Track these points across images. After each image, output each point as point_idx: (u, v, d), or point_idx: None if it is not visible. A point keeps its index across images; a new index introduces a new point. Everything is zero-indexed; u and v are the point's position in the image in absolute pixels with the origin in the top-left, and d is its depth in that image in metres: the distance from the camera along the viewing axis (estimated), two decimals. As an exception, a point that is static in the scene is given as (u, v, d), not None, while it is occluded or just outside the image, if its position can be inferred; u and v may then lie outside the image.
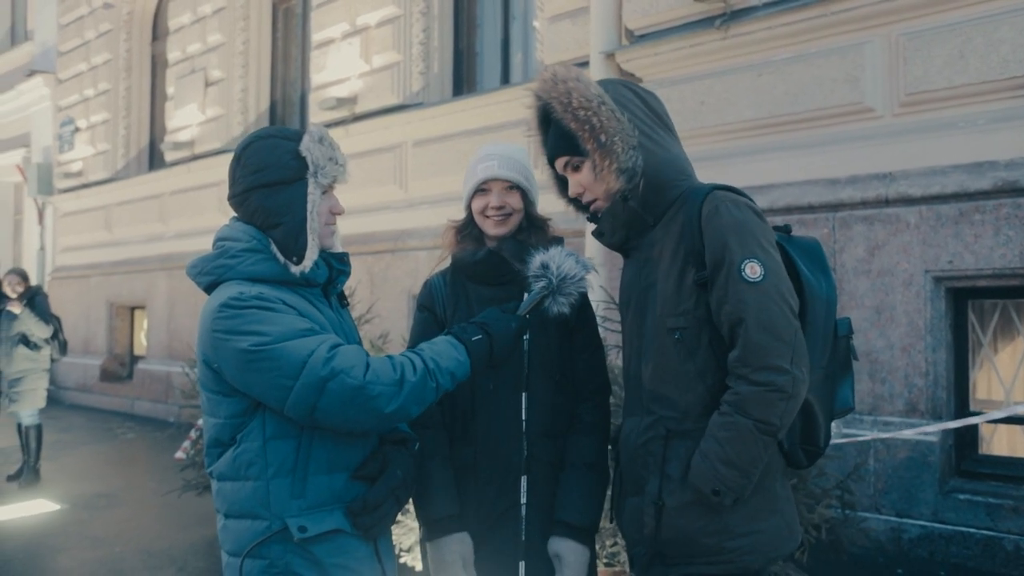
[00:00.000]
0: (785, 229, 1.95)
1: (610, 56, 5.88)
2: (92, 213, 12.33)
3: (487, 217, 2.23)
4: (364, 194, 7.82)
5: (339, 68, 8.23)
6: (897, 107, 4.73)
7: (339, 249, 2.00)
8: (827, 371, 1.87)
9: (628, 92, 1.95)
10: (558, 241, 2.28)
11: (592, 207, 2.00)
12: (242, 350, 1.68)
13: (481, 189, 2.24)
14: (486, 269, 2.23)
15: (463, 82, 7.70)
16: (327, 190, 1.89)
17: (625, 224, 1.95)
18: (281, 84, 9.86)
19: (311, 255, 1.83)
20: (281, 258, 1.82)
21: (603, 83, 1.94)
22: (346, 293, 2.10)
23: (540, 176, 2.22)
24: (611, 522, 2.18)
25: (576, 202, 2.06)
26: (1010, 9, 4.35)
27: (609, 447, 2.22)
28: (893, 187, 4.67)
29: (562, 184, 2.08)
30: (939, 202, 4.50)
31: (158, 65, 11.86)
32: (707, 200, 1.83)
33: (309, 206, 1.83)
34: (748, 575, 1.83)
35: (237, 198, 1.87)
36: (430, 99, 7.58)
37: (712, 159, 5.26)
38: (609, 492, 2.19)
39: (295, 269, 1.82)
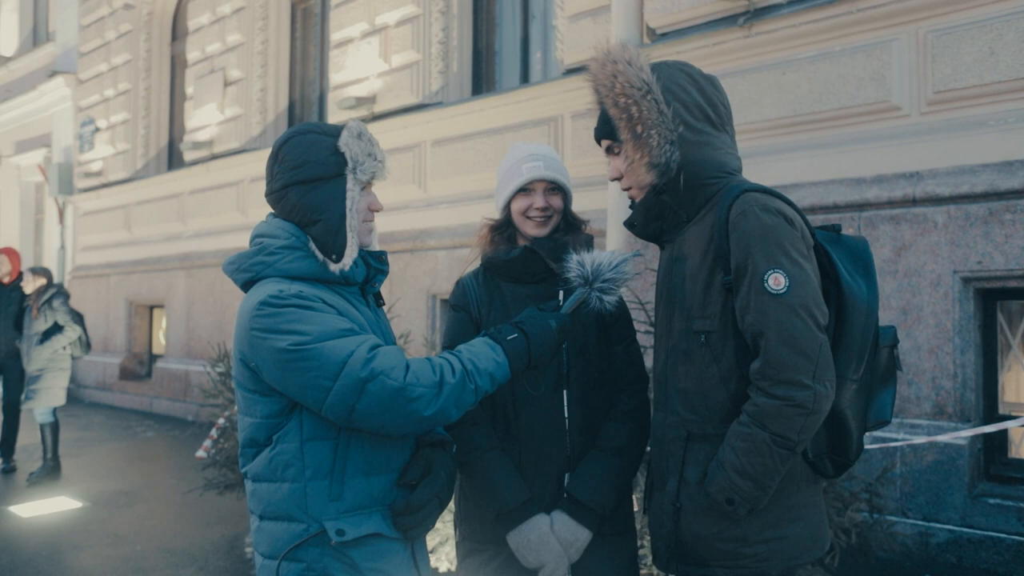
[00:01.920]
0: (834, 229, 1.90)
1: (631, 55, 5.83)
2: (112, 212, 12.40)
3: (528, 218, 2.21)
4: (383, 194, 7.63)
5: (358, 68, 8.23)
6: (924, 105, 4.66)
7: (376, 247, 1.97)
8: (862, 382, 1.81)
9: (683, 78, 1.89)
10: (590, 239, 2.25)
11: (628, 194, 1.99)
12: (280, 349, 1.65)
13: (524, 189, 2.22)
14: (521, 267, 2.21)
15: (482, 81, 7.68)
16: (365, 187, 1.86)
17: (658, 217, 1.93)
18: (300, 84, 9.87)
19: (350, 253, 1.80)
20: (320, 256, 1.80)
21: (658, 67, 1.88)
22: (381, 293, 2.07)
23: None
24: (644, 513, 2.16)
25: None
26: (1041, 5, 4.27)
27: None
28: (920, 186, 4.60)
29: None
30: (968, 201, 4.43)
31: (177, 65, 11.92)
32: (736, 202, 1.79)
33: (348, 203, 1.79)
34: None
35: (275, 195, 1.84)
36: (449, 98, 7.56)
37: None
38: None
39: (334, 267, 1.79)
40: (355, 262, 1.85)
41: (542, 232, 2.21)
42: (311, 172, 1.79)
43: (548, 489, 2.13)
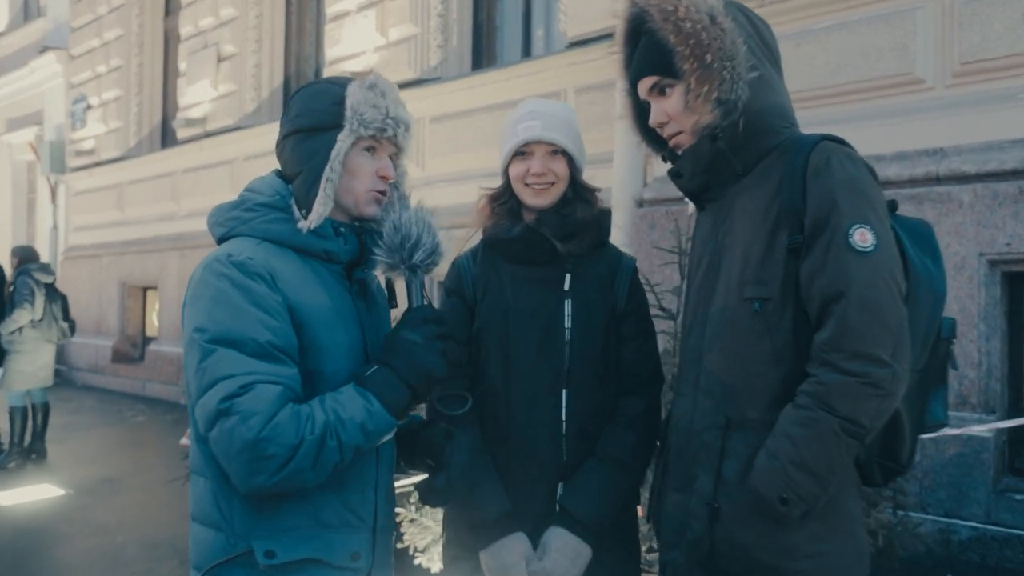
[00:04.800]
0: (891, 205, 1.65)
1: (638, 26, 5.57)
2: (104, 192, 12.15)
3: (527, 185, 1.95)
4: None
5: (354, 41, 7.99)
6: (950, 77, 4.40)
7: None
8: (923, 375, 1.58)
9: (742, 16, 1.65)
10: (606, 214, 2.00)
11: (673, 141, 1.71)
12: (188, 325, 1.48)
13: (521, 152, 1.96)
14: (523, 247, 1.95)
15: (482, 56, 7.42)
16: (374, 147, 1.62)
17: (708, 168, 1.66)
18: (295, 59, 9.61)
19: (319, 210, 1.56)
20: (298, 217, 1.59)
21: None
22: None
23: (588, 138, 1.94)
24: (647, 520, 1.91)
25: (652, 137, 1.78)
26: (1079, -30, 4.00)
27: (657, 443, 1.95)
28: (944, 164, 4.34)
29: (640, 113, 1.79)
30: (996, 180, 4.17)
31: (170, 40, 11.63)
32: (816, 151, 1.55)
33: (333, 152, 1.57)
34: None
35: (278, 147, 1.67)
36: (448, 73, 7.32)
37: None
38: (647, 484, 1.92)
39: (302, 224, 1.57)
40: (344, 237, 1.61)
41: (542, 202, 1.95)
42: (308, 120, 1.61)
43: (538, 499, 1.89)
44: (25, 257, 7.24)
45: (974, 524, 4.11)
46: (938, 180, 4.36)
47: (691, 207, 3.34)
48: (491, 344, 1.95)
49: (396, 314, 1.70)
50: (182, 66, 10.62)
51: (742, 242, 1.61)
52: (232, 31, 9.80)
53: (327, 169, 1.56)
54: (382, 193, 1.64)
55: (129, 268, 11.51)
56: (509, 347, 1.93)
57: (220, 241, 1.62)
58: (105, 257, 12.06)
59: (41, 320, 7.05)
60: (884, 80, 4.58)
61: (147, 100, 11.72)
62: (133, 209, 11.56)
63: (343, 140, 1.56)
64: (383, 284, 1.72)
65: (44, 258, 11.96)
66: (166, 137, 11.55)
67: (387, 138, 1.61)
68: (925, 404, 1.60)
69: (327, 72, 8.33)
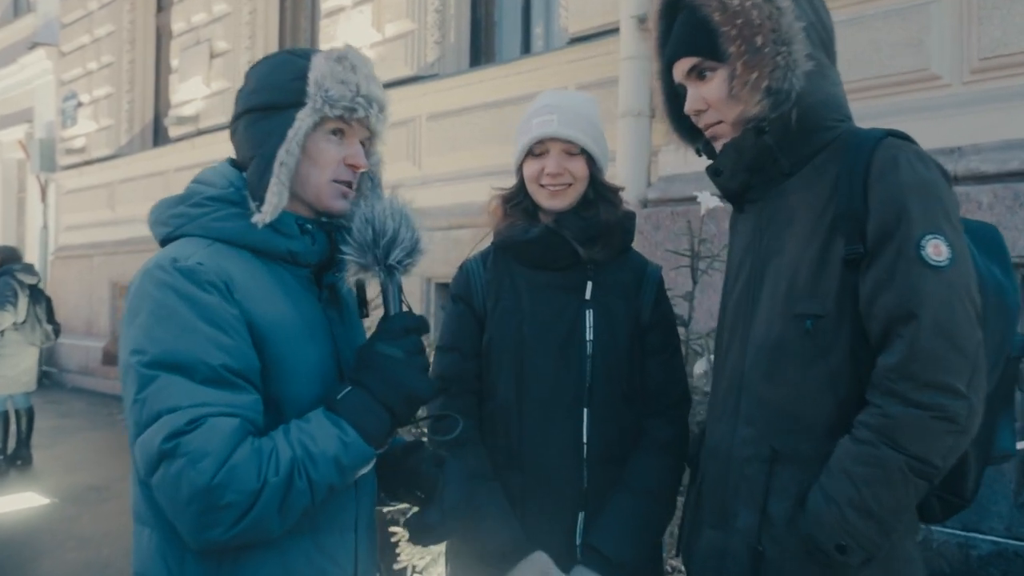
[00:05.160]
0: None
1: (643, 21, 5.40)
2: (95, 191, 11.95)
3: (541, 186, 1.78)
4: None
5: (350, 37, 7.80)
6: (968, 74, 4.25)
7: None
8: (990, 400, 1.40)
9: None
10: (630, 217, 1.84)
11: (710, 132, 1.53)
12: (126, 349, 1.25)
13: (535, 151, 1.79)
14: (542, 251, 1.79)
15: (481, 52, 7.28)
16: (341, 130, 1.40)
17: (750, 165, 1.48)
18: (289, 56, 9.42)
19: (273, 201, 1.33)
20: (254, 211, 1.36)
21: None
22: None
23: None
24: (676, 555, 1.74)
25: (684, 126, 1.60)
26: (1104, -39, 3.85)
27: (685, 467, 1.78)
28: (962, 163, 4.19)
29: (671, 98, 1.61)
30: (1017, 180, 4.02)
31: (162, 37, 11.44)
32: (881, 147, 1.37)
33: (289, 133, 1.35)
34: None
35: (231, 129, 1.47)
36: (446, 70, 7.17)
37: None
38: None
39: (255, 218, 1.34)
40: (311, 235, 1.40)
41: (558, 204, 1.78)
42: (265, 97, 1.38)
43: (556, 532, 1.73)
44: (7, 257, 7.04)
45: (994, 538, 3.95)
46: (956, 180, 4.20)
47: (703, 207, 3.20)
48: (503, 357, 1.78)
49: (369, 324, 1.50)
50: (174, 63, 10.43)
51: (790, 251, 1.44)
52: (225, 27, 9.62)
53: (281, 151, 1.34)
54: (348, 185, 1.41)
55: (121, 268, 11.31)
56: (524, 360, 1.76)
57: (164, 243, 1.39)
58: (96, 257, 11.86)
59: (24, 323, 6.84)
60: (899, 77, 4.43)
61: (139, 97, 11.52)
62: (124, 208, 11.35)
63: (303, 119, 1.34)
64: (352, 288, 1.50)
65: (34, 258, 11.78)
66: (158, 135, 11.35)
67: (357, 120, 1.39)
68: (992, 432, 1.43)
69: (322, 69, 8.16)
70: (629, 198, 5.39)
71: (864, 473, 1.30)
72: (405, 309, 1.41)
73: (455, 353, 1.83)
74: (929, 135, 4.32)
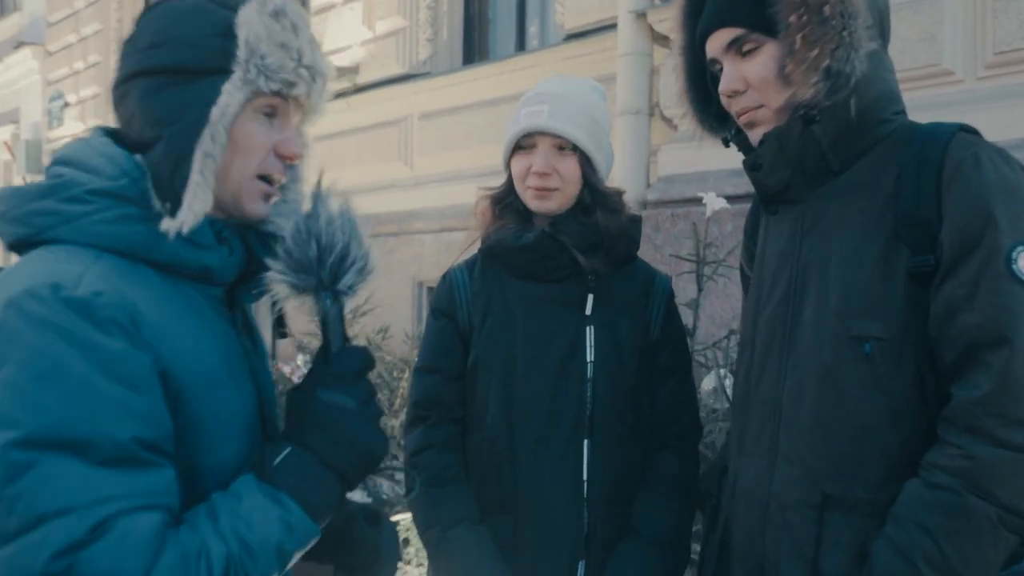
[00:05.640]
0: None
1: (641, 16, 5.26)
2: (82, 192, 11.76)
3: (527, 187, 1.59)
4: (366, 171, 7.28)
5: (339, 35, 7.70)
6: (982, 69, 4.09)
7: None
8: None
9: None
10: (636, 222, 1.65)
11: (745, 118, 1.34)
12: None
13: (523, 144, 1.60)
14: (537, 259, 1.59)
15: (474, 50, 7.17)
16: (275, 108, 1.11)
17: (793, 160, 1.29)
18: (279, 55, 9.28)
19: (192, 204, 1.02)
20: (159, 212, 1.03)
21: None
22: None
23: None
24: None
25: (708, 111, 1.42)
26: None
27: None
28: (957, 123, 4.02)
29: (694, 78, 1.42)
30: (1035, 180, 3.85)
31: (150, 36, 11.26)
32: (956, 144, 1.21)
33: (215, 113, 1.03)
34: None
35: (115, 92, 1.12)
36: (438, 68, 7.04)
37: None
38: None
39: (166, 224, 1.02)
40: (228, 244, 1.09)
41: (545, 208, 1.59)
42: (174, 56, 1.05)
43: None
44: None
45: None
46: (970, 180, 4.04)
47: (709, 209, 3.01)
48: (492, 380, 1.59)
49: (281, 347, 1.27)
50: (161, 62, 10.27)
51: (841, 261, 1.26)
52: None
53: (205, 138, 1.02)
54: (271, 182, 1.13)
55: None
56: (515, 384, 1.57)
57: (18, 247, 1.03)
58: (83, 260, 11.68)
59: None
60: (910, 72, 4.22)
61: (126, 97, 11.34)
62: (111, 210, 11.18)
63: (231, 93, 1.04)
64: (267, 307, 1.21)
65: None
66: (146, 136, 11.18)
67: (295, 97, 1.10)
68: None
69: (311, 67, 8.00)
70: (628, 198, 5.25)
71: (944, 525, 1.12)
72: (351, 342, 1.15)
73: (436, 375, 1.63)
74: (942, 133, 4.17)
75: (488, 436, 1.57)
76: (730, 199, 4.46)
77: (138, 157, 1.06)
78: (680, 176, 4.94)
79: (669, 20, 5.17)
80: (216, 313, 1.10)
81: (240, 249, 1.12)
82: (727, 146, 1.44)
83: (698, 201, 4.82)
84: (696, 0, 1.39)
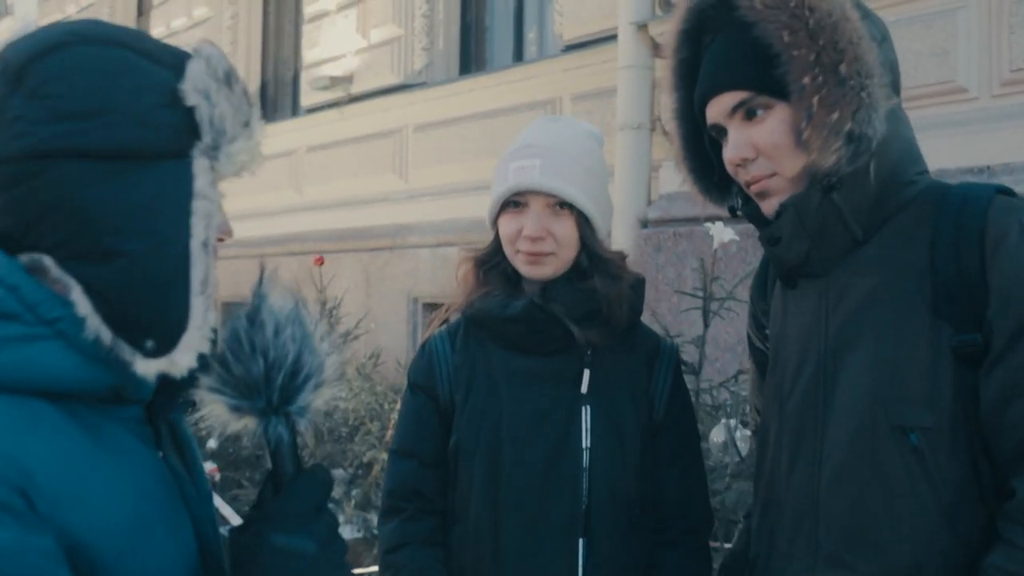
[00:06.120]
0: None
1: (642, 28, 5.11)
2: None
3: (517, 251, 1.43)
4: (359, 184, 7.14)
5: (333, 44, 7.57)
6: (997, 86, 3.95)
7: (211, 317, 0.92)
8: None
9: (861, 9, 1.17)
10: (639, 286, 1.48)
11: (757, 187, 1.20)
12: None
13: (513, 202, 1.43)
14: (526, 331, 1.42)
15: (471, 60, 7.00)
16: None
17: (813, 232, 1.17)
18: (273, 62, 9.16)
19: (195, 339, 0.85)
20: (91, 334, 0.81)
21: None
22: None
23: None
24: None
25: (710, 178, 1.28)
26: None
27: None
28: (992, 183, 3.86)
29: (691, 142, 1.28)
30: (1054, 203, 3.69)
31: (143, 42, 11.11)
32: (996, 209, 1.09)
33: (199, 222, 0.85)
34: None
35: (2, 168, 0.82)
36: (434, 78, 6.90)
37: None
38: None
39: (143, 368, 0.83)
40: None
41: (538, 274, 1.42)
42: (114, 134, 0.82)
43: None
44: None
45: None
46: (985, 203, 3.88)
47: (716, 240, 2.83)
48: (475, 467, 1.42)
49: None
50: (154, 69, 10.12)
51: (876, 342, 1.13)
52: (206, 31, 9.28)
53: (196, 255, 0.84)
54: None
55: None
56: (502, 473, 1.40)
57: None
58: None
59: None
60: (922, 89, 4.08)
61: (118, 104, 11.20)
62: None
63: (207, 193, 0.85)
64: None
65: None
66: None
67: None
68: None
69: (305, 76, 7.82)
70: (627, 217, 5.08)
71: None
72: (307, 466, 0.94)
73: (412, 460, 1.46)
74: (955, 153, 4.00)
75: (471, 532, 1.40)
76: (729, 218, 4.37)
77: (24, 258, 0.82)
78: (683, 194, 4.78)
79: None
80: (135, 440, 0.88)
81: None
82: (734, 215, 1.30)
83: (703, 220, 4.71)
84: (688, 61, 1.26)
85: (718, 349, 3.95)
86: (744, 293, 3.08)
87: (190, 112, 0.85)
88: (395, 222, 6.93)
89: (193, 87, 0.85)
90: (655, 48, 5.04)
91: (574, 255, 1.44)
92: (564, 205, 1.42)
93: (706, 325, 2.74)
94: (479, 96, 6.37)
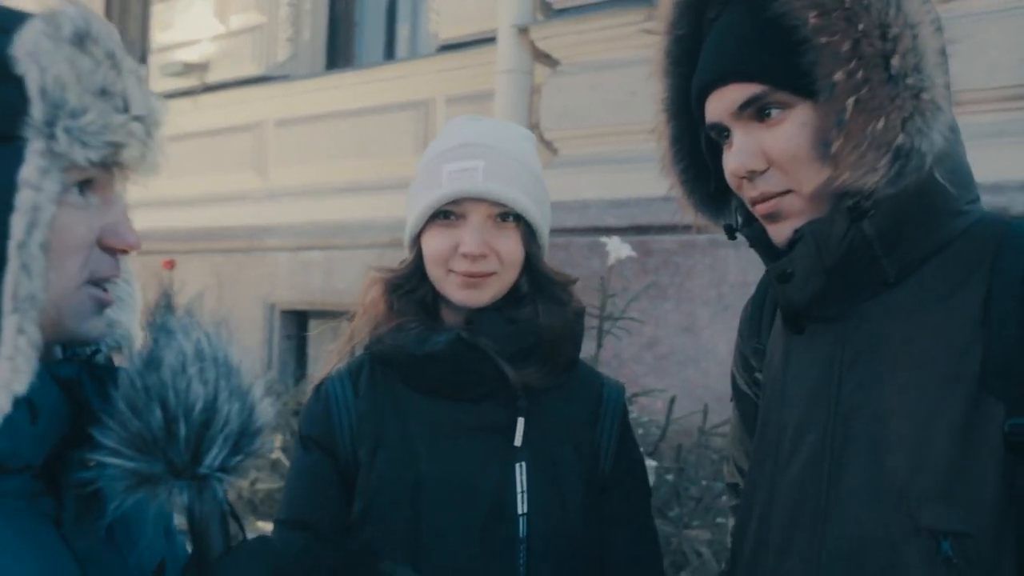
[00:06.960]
0: None
1: (523, 31, 4.96)
2: None
3: (450, 271, 1.18)
4: (214, 180, 6.69)
5: (188, 27, 7.09)
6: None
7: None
8: None
9: None
10: (579, 316, 1.26)
11: (765, 208, 0.97)
12: None
13: (446, 211, 1.18)
14: (448, 371, 1.16)
15: (339, 54, 6.71)
16: (89, 182, 0.74)
17: (833, 267, 0.93)
18: (117, 44, 8.43)
19: (22, 365, 0.66)
20: None
21: None
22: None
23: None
24: None
25: (706, 191, 1.06)
26: None
27: None
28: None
29: (684, 144, 1.06)
30: None
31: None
32: None
33: (24, 220, 0.67)
34: None
35: None
36: (298, 71, 6.56)
37: (638, 162, 4.35)
38: None
39: None
40: (29, 403, 0.68)
41: (475, 300, 1.18)
42: None
43: None
44: None
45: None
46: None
47: (612, 257, 2.66)
48: (388, 543, 1.15)
49: None
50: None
51: (904, 415, 0.90)
52: (38, 6, 8.45)
53: (12, 264, 0.65)
54: (103, 286, 0.76)
55: None
56: (421, 546, 1.15)
57: None
58: None
59: None
60: (998, 91, 3.45)
61: None
62: None
63: (42, 183, 0.67)
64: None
65: None
66: None
67: (120, 162, 0.75)
68: None
69: (153, 60, 7.22)
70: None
71: None
72: (237, 540, 0.75)
73: (305, 533, 1.18)
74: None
75: None
76: (610, 231, 4.22)
77: None
78: (561, 204, 4.61)
79: (553, 38, 4.90)
80: (27, 519, 0.68)
81: (58, 404, 0.70)
82: (732, 237, 1.08)
83: (581, 232, 4.57)
84: (685, 40, 1.03)
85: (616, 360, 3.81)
86: (638, 308, 2.93)
87: (21, 80, 0.69)
88: (252, 223, 6.53)
89: (27, 50, 0.70)
90: (536, 53, 4.90)
91: (515, 277, 1.20)
92: (507, 216, 1.19)
93: (599, 346, 2.58)
94: (346, 93, 6.11)
